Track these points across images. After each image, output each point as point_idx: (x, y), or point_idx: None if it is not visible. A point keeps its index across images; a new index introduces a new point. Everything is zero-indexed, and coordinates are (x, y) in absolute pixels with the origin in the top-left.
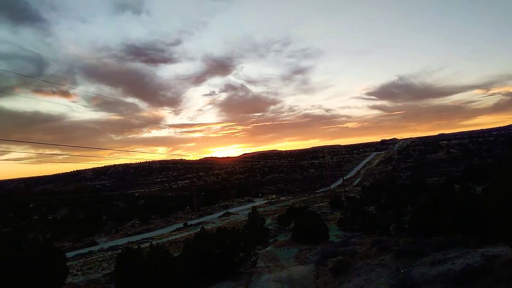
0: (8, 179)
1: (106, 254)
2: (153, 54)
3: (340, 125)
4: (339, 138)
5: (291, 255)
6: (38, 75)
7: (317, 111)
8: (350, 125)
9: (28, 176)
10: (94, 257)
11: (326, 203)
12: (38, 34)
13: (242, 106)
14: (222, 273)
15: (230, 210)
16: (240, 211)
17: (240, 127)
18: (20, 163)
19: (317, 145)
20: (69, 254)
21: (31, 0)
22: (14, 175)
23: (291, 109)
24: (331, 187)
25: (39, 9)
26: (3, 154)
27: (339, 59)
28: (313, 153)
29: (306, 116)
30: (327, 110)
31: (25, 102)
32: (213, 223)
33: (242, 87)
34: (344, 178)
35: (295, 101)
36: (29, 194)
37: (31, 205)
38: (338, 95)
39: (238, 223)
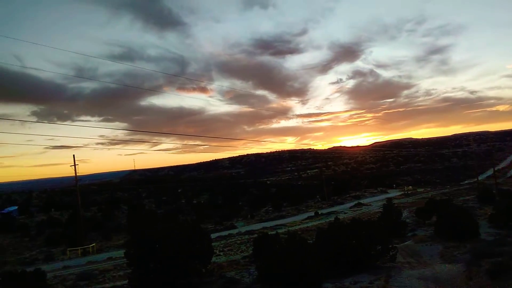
0: (161, 167)
1: (243, 238)
2: (280, 46)
3: (488, 109)
4: (487, 123)
5: (435, 251)
6: (180, 74)
7: (459, 94)
8: (501, 108)
9: (176, 165)
10: (233, 240)
11: (473, 196)
12: (180, 37)
13: (371, 93)
14: (357, 265)
15: (361, 201)
16: (373, 202)
17: (370, 115)
18: (169, 153)
19: (460, 132)
20: (211, 236)
21: (173, 6)
22: (165, 164)
23: (427, 93)
24: (479, 179)
25: (180, 14)
26: (156, 145)
27: (485, 33)
28: (455, 141)
29: (445, 100)
30: (471, 92)
31: (171, 99)
32: (344, 213)
33: (371, 72)
34: (496, 168)
35: (432, 84)
36: (177, 181)
37: (179, 190)
38: (485, 74)
39: (371, 214)
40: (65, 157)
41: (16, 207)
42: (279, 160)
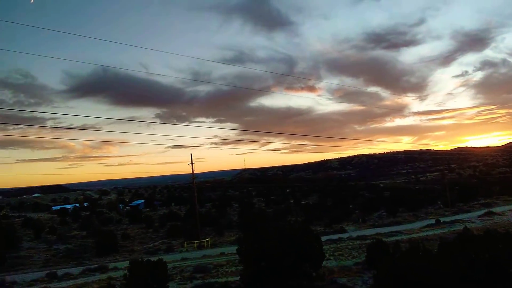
0: (270, 167)
1: (355, 243)
2: (394, 38)
3: None
4: None
5: None
6: (289, 74)
7: None
8: None
9: (284, 165)
10: (343, 244)
11: None
12: (288, 37)
13: (504, 85)
14: (492, 283)
15: (493, 209)
16: (507, 212)
17: (502, 111)
18: (277, 152)
19: None
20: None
21: (281, 6)
22: (274, 163)
23: None
24: None
25: (287, 13)
26: (265, 145)
27: None
28: None
29: None
30: None
31: (280, 99)
32: (472, 222)
33: (504, 62)
34: None
35: None
36: (285, 181)
37: (288, 190)
38: None
39: (507, 225)
40: (183, 155)
41: (143, 201)
42: (394, 162)
